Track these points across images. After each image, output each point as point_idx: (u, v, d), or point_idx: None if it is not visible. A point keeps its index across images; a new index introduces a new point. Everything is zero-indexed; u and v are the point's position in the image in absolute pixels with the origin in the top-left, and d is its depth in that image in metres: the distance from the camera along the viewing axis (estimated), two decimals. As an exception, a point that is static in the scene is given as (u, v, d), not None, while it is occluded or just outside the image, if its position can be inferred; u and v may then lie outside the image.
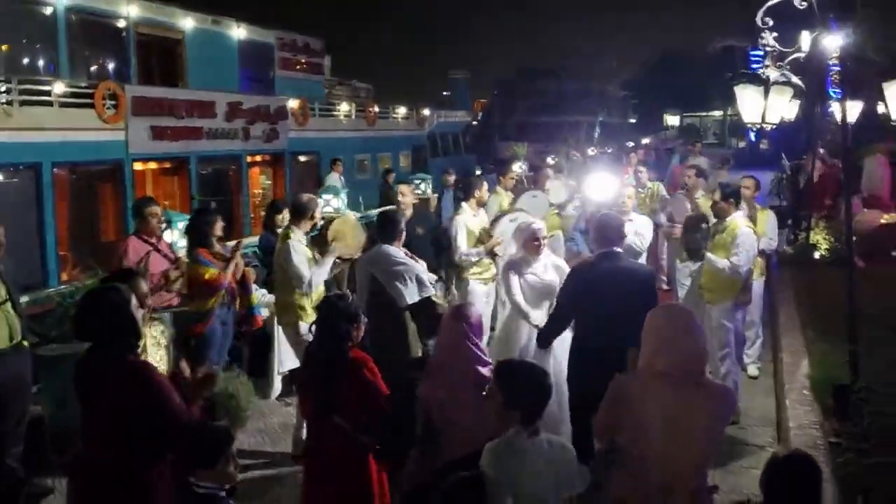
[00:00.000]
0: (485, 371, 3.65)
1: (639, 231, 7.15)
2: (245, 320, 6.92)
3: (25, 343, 5.53)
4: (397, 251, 5.09)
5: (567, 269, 5.64)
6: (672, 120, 63.70)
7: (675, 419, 2.99)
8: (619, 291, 4.66)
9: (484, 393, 3.39)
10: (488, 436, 3.21)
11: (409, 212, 7.78)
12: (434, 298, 4.99)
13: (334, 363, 3.76)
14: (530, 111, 49.16)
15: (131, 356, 3.41)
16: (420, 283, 4.94)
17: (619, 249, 4.95)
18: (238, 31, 17.94)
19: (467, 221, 7.32)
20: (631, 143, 34.38)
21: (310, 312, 5.83)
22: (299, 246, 6.02)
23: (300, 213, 6.22)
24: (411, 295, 4.87)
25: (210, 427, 3.36)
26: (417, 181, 14.79)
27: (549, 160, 17.17)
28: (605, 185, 7.95)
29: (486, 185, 7.74)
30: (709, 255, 6.25)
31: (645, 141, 35.90)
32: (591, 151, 29.29)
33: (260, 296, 7.69)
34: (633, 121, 60.63)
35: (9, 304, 5.41)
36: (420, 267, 5.15)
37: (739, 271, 6.11)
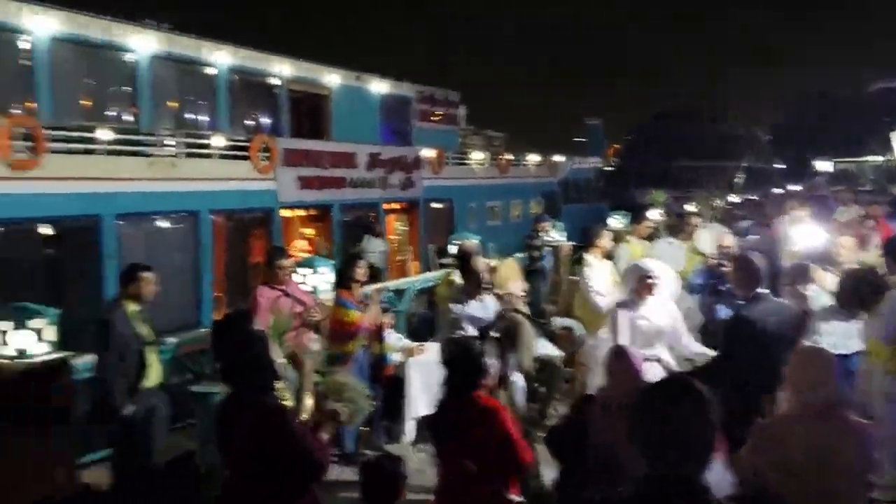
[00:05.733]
0: None
1: None
2: (376, 366, 7.10)
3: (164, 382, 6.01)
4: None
5: (678, 314, 5.92)
6: (823, 165, 60.16)
7: (818, 457, 3.05)
8: (775, 333, 4.71)
9: None
10: None
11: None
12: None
13: (464, 408, 3.81)
14: (667, 156, 47.91)
15: (267, 399, 3.56)
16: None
17: (765, 290, 4.92)
18: (380, 86, 18.79)
19: (596, 273, 7.23)
20: (779, 190, 32.74)
21: None
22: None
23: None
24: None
25: (387, 465, 3.52)
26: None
27: (690, 207, 16.68)
28: (812, 234, 7.63)
29: (607, 235, 7.63)
30: None
31: (794, 188, 34.04)
32: (733, 198, 28.17)
33: (395, 340, 7.87)
34: (780, 166, 57.77)
35: (155, 346, 5.88)
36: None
37: None
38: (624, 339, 5.82)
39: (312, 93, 17.05)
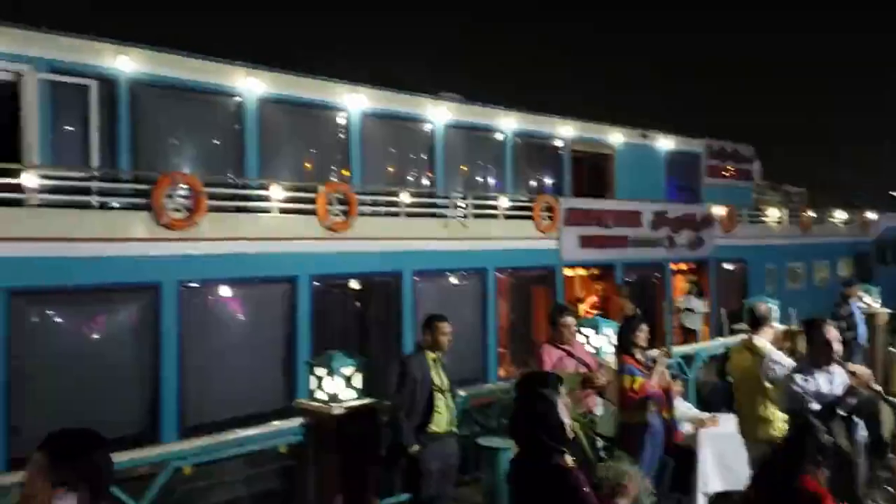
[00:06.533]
0: None
1: None
2: (665, 433, 6.73)
3: (455, 430, 6.16)
4: None
5: None
6: None
7: None
8: None
9: None
10: None
11: None
12: None
13: (788, 492, 3.42)
14: None
15: (559, 461, 3.49)
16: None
17: None
18: (665, 142, 18.35)
19: None
20: None
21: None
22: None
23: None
24: None
25: None
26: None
27: None
28: None
29: None
30: None
31: None
32: None
33: (684, 409, 7.43)
34: None
35: (449, 394, 6.11)
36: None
37: None
38: None
39: (595, 152, 17.12)
